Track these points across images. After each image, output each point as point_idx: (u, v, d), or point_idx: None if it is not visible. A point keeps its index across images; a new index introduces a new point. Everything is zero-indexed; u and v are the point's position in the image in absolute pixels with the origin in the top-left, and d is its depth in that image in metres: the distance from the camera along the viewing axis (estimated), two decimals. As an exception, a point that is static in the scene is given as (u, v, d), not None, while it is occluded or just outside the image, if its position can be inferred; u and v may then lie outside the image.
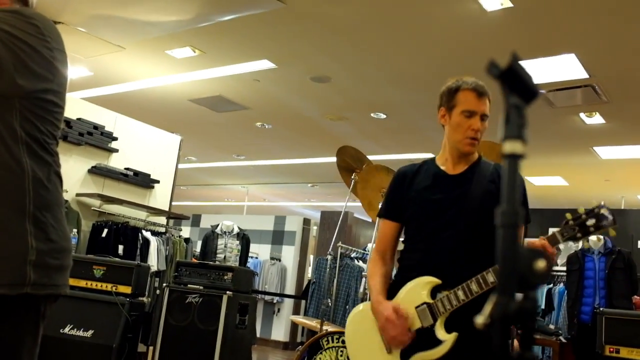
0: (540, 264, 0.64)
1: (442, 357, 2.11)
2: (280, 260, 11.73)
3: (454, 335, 2.09)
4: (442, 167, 2.35)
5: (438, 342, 2.11)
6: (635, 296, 5.78)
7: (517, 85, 0.67)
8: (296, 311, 11.22)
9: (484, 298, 2.08)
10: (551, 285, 6.81)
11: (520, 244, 0.66)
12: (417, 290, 2.19)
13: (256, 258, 11.48)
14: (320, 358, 3.80)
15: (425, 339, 2.14)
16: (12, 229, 1.49)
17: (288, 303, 11.57)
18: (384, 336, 2.21)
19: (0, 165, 1.50)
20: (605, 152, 8.38)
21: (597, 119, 7.07)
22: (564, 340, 5.26)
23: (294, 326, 11.53)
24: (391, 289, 2.30)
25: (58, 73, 1.62)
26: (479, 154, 2.39)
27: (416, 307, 2.17)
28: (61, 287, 1.61)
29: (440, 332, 2.12)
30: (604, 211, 2.00)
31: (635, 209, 10.01)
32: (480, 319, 0.62)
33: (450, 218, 2.23)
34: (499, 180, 2.26)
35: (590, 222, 1.99)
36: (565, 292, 6.21)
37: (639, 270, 5.94)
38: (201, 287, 4.98)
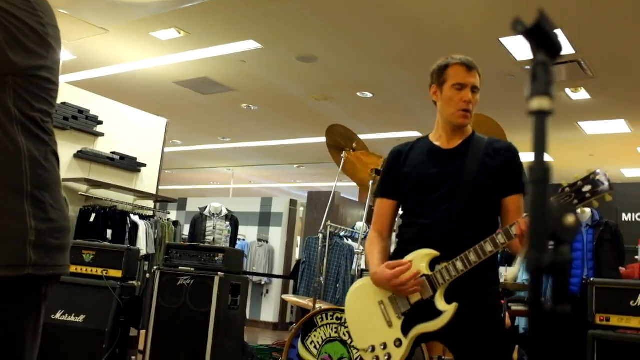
0: (570, 218, 0.64)
1: (443, 327, 2.12)
2: (267, 242, 11.74)
3: (454, 305, 2.10)
4: (437, 143, 2.38)
5: (439, 313, 2.12)
6: (622, 267, 5.86)
7: (543, 42, 0.67)
8: (285, 292, 11.27)
9: (482, 268, 2.11)
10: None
11: (549, 199, 0.66)
12: (416, 263, 2.20)
13: (243, 240, 11.48)
14: (315, 335, 3.82)
15: (425, 310, 2.15)
16: (10, 209, 1.46)
17: (276, 284, 11.61)
18: (399, 294, 2.22)
19: None
20: (590, 127, 8.45)
21: (582, 94, 7.12)
22: (553, 313, 5.34)
23: (283, 307, 11.59)
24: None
25: (51, 49, 1.58)
26: (473, 129, 2.41)
27: None
28: (62, 268, 1.59)
29: (441, 303, 2.13)
30: (600, 177, 2.00)
31: (619, 182, 10.12)
32: (509, 275, 0.62)
33: (446, 191, 2.25)
34: (494, 154, 2.30)
35: (587, 188, 1.99)
36: (553, 265, 6.26)
37: (626, 241, 6.02)
38: (192, 269, 4.97)
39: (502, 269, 7.23)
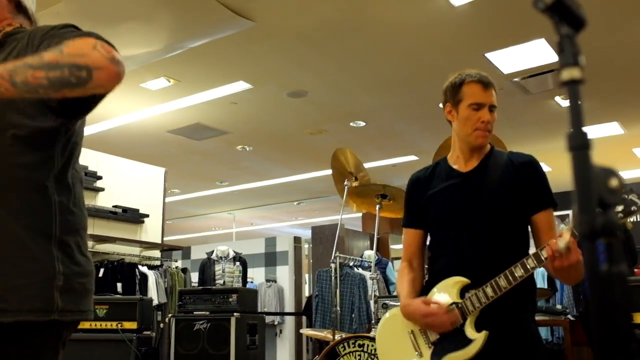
0: (613, 182, 0.66)
1: (474, 356, 2.03)
2: (275, 282, 11.67)
3: (484, 333, 2.02)
4: (455, 166, 2.31)
5: (468, 342, 2.05)
6: (635, 268, 5.82)
7: (565, 16, 0.70)
8: (299, 329, 11.15)
9: (513, 294, 2.01)
10: (550, 268, 6.83)
11: (593, 164, 0.67)
12: (447, 291, 2.15)
13: (251, 282, 11.41)
14: (339, 365, 3.77)
15: (455, 339, 2.08)
16: (39, 254, 1.46)
17: (289, 323, 11.50)
18: (430, 329, 2.16)
19: (25, 192, 1.48)
20: (584, 133, 8.48)
21: (572, 100, 7.16)
22: (572, 319, 5.28)
23: (299, 346, 11.46)
24: (422, 294, 2.26)
25: None
26: (491, 145, 2.34)
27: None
28: (87, 313, 1.57)
29: (470, 331, 2.06)
30: (632, 196, 1.83)
31: (618, 185, 10.13)
32: (562, 243, 0.63)
33: (469, 217, 2.19)
34: (515, 170, 2.22)
35: (618, 207, 1.82)
36: (566, 272, 6.21)
37: (637, 242, 6.00)
38: (207, 313, 4.95)
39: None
